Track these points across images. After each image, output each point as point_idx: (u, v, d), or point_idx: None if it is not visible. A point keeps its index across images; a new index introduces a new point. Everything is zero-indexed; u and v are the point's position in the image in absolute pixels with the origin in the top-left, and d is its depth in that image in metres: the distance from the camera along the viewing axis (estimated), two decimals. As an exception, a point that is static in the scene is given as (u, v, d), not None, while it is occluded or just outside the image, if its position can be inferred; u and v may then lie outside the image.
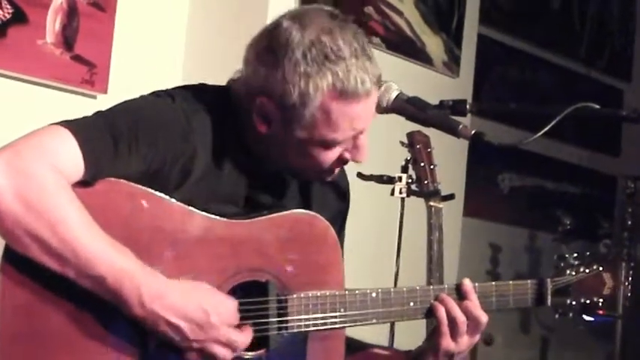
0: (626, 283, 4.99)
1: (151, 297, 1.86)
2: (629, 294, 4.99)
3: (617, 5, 6.52)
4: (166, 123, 2.01)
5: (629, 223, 5.18)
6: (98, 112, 1.99)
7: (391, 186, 3.33)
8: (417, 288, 2.25)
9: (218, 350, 1.94)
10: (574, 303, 2.46)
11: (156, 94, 2.09)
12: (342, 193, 2.37)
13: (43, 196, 1.81)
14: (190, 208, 1.99)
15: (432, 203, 3.19)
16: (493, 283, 2.36)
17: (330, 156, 2.10)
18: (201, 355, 1.94)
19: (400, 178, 3.31)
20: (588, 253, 2.52)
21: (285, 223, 2.12)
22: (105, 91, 3.47)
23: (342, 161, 2.14)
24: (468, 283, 2.27)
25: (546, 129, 2.14)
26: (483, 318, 2.23)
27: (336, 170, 2.17)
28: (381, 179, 3.33)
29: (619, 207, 5.45)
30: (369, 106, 2.08)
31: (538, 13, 5.91)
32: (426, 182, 3.20)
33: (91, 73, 3.44)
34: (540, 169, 5.92)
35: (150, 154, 1.96)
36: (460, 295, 2.26)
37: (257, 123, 2.08)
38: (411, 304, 2.22)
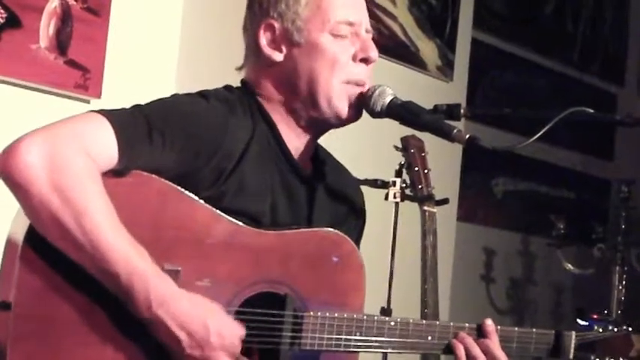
0: (620, 287, 5.01)
1: (159, 302, 1.86)
2: (622, 298, 5.01)
3: (611, 10, 6.53)
4: (201, 121, 2.04)
5: (623, 227, 5.17)
6: (136, 105, 2.01)
7: (385, 190, 3.33)
8: (437, 323, 2.26)
9: None
10: None
11: (188, 95, 2.13)
12: (357, 210, 2.38)
13: (72, 183, 1.82)
14: (218, 212, 2.00)
15: (426, 208, 3.19)
16: (516, 328, 2.35)
17: (342, 49, 2.15)
18: None
19: (394, 183, 3.31)
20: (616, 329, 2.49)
21: (312, 239, 2.13)
22: (98, 96, 3.46)
23: (361, 62, 2.18)
24: (490, 324, 2.26)
25: (540, 133, 2.13)
26: (503, 359, 2.23)
27: (364, 79, 2.18)
28: (375, 184, 3.32)
29: (613, 211, 5.44)
30: None
31: (531, 18, 5.92)
32: (420, 187, 3.19)
33: (85, 77, 3.44)
34: (534, 173, 5.92)
35: (184, 151, 1.98)
36: (481, 334, 2.25)
37: (271, 55, 2.16)
38: (429, 337, 2.22)
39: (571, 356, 2.40)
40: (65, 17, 3.39)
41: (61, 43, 3.38)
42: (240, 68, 2.26)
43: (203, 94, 2.11)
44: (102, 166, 1.88)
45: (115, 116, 1.93)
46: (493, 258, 5.63)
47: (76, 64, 3.42)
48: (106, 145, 1.89)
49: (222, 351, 1.91)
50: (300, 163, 2.21)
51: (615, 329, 2.47)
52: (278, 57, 2.16)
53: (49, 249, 1.85)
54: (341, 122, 2.20)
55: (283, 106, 2.18)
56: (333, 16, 2.15)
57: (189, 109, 2.05)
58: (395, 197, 3.32)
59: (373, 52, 2.19)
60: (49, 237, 1.84)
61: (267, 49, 2.17)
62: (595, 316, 2.49)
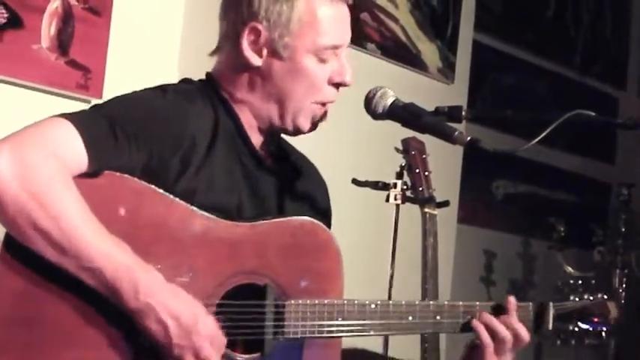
0: (620, 291, 5.01)
1: (147, 292, 1.87)
2: (622, 301, 5.01)
3: (612, 12, 6.52)
4: (163, 114, 2.05)
5: (623, 230, 5.18)
6: (95, 105, 2.02)
7: (386, 192, 3.33)
8: (416, 303, 2.26)
9: None
10: (576, 330, 2.44)
11: (147, 89, 2.14)
12: (321, 205, 2.38)
13: (45, 187, 1.82)
14: (192, 207, 2.01)
15: (426, 210, 3.19)
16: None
17: (322, 72, 2.15)
18: None
19: (395, 185, 3.31)
20: (594, 282, 2.49)
21: (288, 228, 2.13)
22: (100, 96, 3.46)
23: (334, 86, 2.18)
24: (513, 301, 2.27)
25: (542, 136, 2.14)
26: (526, 334, 2.24)
27: (334, 99, 2.19)
28: (376, 185, 3.32)
29: (613, 214, 5.44)
30: (348, 13, 2.19)
31: (533, 20, 5.91)
32: (420, 189, 3.19)
33: (86, 77, 3.44)
34: (534, 176, 5.92)
35: (149, 145, 1.99)
36: (498, 312, 2.26)
37: (249, 58, 2.14)
38: (410, 318, 2.22)
39: (550, 327, 2.39)
40: (66, 17, 3.39)
41: (62, 43, 3.38)
42: (212, 54, 2.25)
43: (162, 88, 2.14)
44: (72, 169, 1.88)
45: (77, 119, 1.93)
46: (493, 260, 5.63)
47: (77, 65, 3.43)
48: (73, 149, 1.89)
49: (209, 340, 1.92)
50: (263, 156, 2.22)
51: (591, 298, 2.47)
52: (256, 61, 2.16)
53: (28, 254, 1.85)
54: (296, 135, 2.22)
55: (248, 107, 2.18)
56: (322, 39, 2.14)
57: (148, 103, 2.07)
58: (396, 199, 3.32)
59: (349, 77, 2.19)
60: (29, 243, 1.84)
61: (247, 52, 2.15)
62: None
